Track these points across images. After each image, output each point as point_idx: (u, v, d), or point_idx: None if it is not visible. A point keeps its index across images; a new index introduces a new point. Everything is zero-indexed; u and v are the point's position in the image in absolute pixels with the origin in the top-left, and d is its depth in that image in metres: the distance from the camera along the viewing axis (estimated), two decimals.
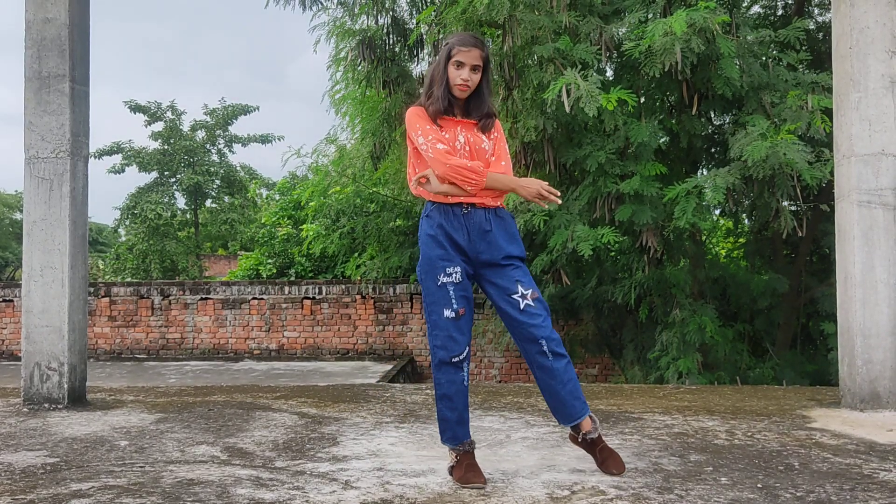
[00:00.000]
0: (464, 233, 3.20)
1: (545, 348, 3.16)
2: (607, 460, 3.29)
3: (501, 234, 3.23)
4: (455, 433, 3.24)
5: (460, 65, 3.21)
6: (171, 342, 15.13)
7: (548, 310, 3.24)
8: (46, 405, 5.11)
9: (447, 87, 3.24)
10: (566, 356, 3.19)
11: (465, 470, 3.21)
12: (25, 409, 5.07)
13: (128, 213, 23.29)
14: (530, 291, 3.19)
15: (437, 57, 3.33)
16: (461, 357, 3.19)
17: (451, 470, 3.25)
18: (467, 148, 3.23)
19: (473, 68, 3.22)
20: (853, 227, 4.77)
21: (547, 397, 3.27)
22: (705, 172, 9.80)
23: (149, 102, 23.54)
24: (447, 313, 3.18)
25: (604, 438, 3.38)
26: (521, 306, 3.17)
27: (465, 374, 3.22)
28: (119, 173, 23.54)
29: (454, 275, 3.18)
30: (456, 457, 3.25)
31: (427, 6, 10.18)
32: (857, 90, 4.77)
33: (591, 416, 3.28)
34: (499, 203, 3.27)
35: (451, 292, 3.18)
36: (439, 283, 3.19)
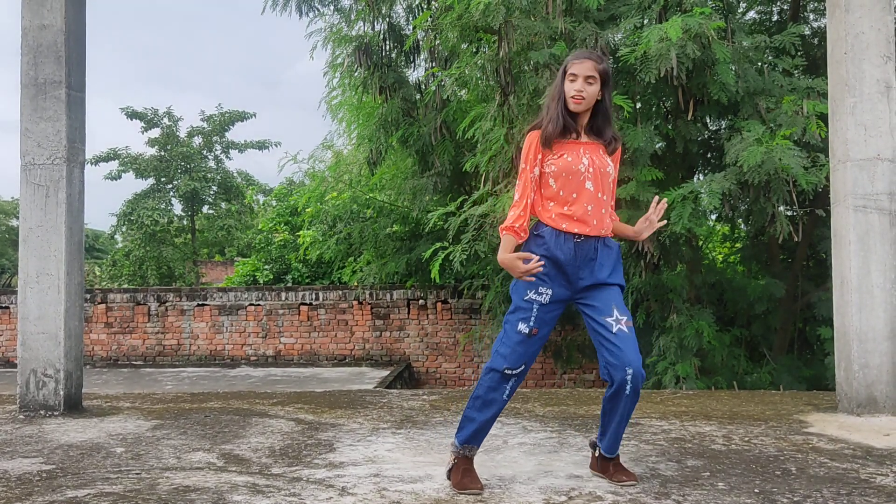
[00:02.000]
0: (571, 256, 3.17)
1: (629, 377, 3.09)
2: (618, 474, 3.31)
3: (606, 262, 3.21)
4: (468, 435, 3.24)
5: (574, 77, 3.20)
6: (168, 348, 15.10)
7: (636, 341, 3.19)
8: (42, 412, 5.09)
9: (563, 103, 3.22)
10: (638, 395, 3.14)
11: (462, 475, 3.21)
12: (21, 416, 5.06)
13: (124, 219, 23.26)
14: (625, 318, 3.15)
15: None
16: (514, 372, 3.17)
17: (449, 473, 3.26)
18: (591, 170, 3.21)
19: (587, 79, 3.18)
20: (849, 231, 4.78)
21: (603, 421, 3.27)
22: (701, 178, 9.82)
23: (145, 109, 23.54)
24: (521, 327, 3.16)
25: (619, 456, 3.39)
26: (614, 329, 3.12)
27: (510, 388, 3.20)
28: (115, 180, 23.52)
29: (544, 295, 3.17)
30: (454, 459, 3.26)
31: (423, 12, 10.21)
32: (852, 95, 4.79)
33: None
34: (607, 233, 3.26)
35: (534, 310, 3.16)
36: (526, 297, 3.17)
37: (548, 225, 3.22)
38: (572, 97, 3.20)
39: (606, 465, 3.33)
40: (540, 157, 3.24)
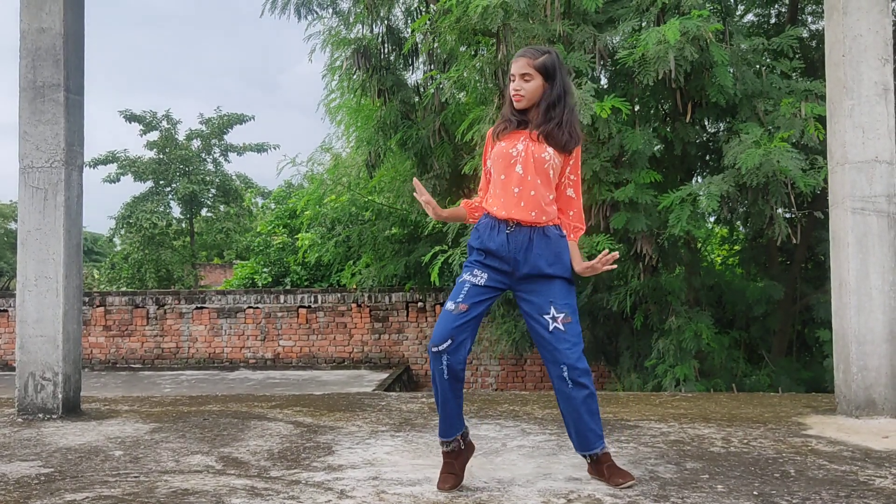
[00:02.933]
0: (504, 245, 3.20)
1: (565, 374, 3.13)
2: (615, 475, 3.27)
3: (544, 252, 3.20)
4: (440, 425, 3.28)
5: (512, 77, 3.27)
6: (167, 351, 15.10)
7: (579, 337, 3.18)
8: (41, 415, 5.09)
9: (510, 103, 3.30)
10: (587, 388, 3.15)
11: (441, 472, 3.30)
12: (20, 420, 5.05)
13: (123, 222, 23.28)
14: (563, 315, 3.15)
15: None
16: (439, 348, 3.15)
17: None
18: (523, 154, 3.22)
19: (523, 77, 3.24)
20: (847, 234, 4.78)
21: (564, 421, 3.29)
22: (700, 180, 9.83)
23: (144, 112, 23.56)
24: (449, 305, 3.21)
25: (611, 457, 3.34)
26: (550, 328, 3.14)
27: (446, 368, 3.16)
28: (114, 182, 23.55)
29: (478, 277, 3.22)
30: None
31: (421, 15, 10.22)
32: (850, 97, 4.79)
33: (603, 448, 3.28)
34: (548, 221, 3.23)
35: (465, 289, 3.21)
36: (461, 279, 3.25)
37: (486, 213, 3.29)
38: (512, 96, 3.28)
39: (600, 467, 3.31)
40: (491, 149, 3.36)
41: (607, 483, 3.28)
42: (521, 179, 3.21)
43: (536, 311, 3.18)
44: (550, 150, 3.24)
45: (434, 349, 3.17)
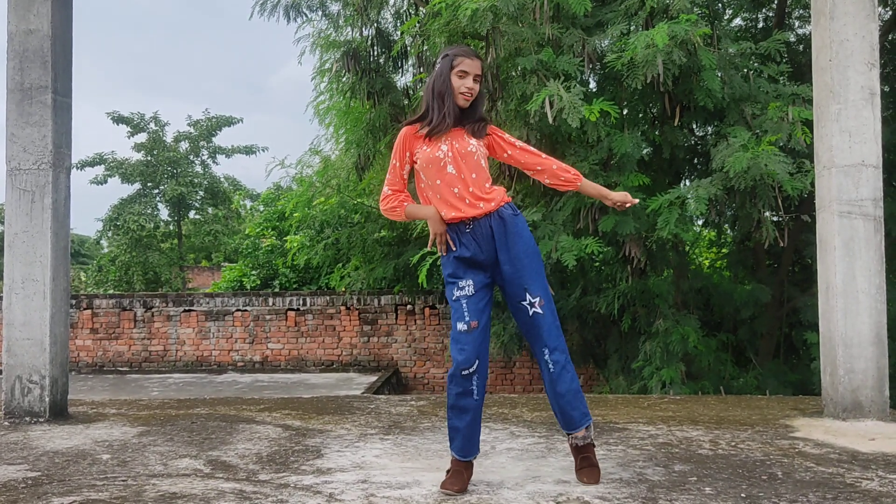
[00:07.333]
0: (472, 246, 3.25)
1: (547, 356, 3.25)
2: (583, 469, 3.36)
3: (503, 235, 3.26)
4: (459, 445, 3.30)
5: (464, 74, 3.29)
6: (154, 355, 15.03)
7: (555, 314, 3.29)
8: (28, 419, 5.06)
9: (453, 101, 3.31)
10: (567, 367, 3.27)
11: (449, 475, 3.30)
12: (6, 423, 5.02)
13: (110, 224, 23.15)
14: (538, 299, 3.24)
15: (434, 73, 3.38)
16: (470, 370, 3.22)
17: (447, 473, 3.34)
18: (450, 154, 3.29)
19: (475, 78, 3.31)
20: (834, 237, 4.81)
21: (552, 406, 3.37)
22: (688, 183, 9.86)
23: (132, 114, 23.45)
24: (460, 326, 3.24)
25: (594, 448, 3.43)
26: (530, 313, 3.24)
27: (475, 387, 3.25)
28: (101, 184, 23.41)
29: (466, 288, 3.25)
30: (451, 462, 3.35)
31: (411, 17, 10.22)
32: (837, 102, 4.82)
33: (587, 427, 3.36)
34: (497, 205, 3.28)
35: (464, 305, 3.25)
36: (454, 297, 3.27)
37: (447, 222, 3.33)
38: (462, 94, 3.31)
39: (577, 455, 3.40)
40: (409, 154, 3.38)
41: (576, 474, 3.39)
42: (455, 179, 3.28)
43: (514, 299, 3.27)
44: (472, 141, 3.32)
45: (465, 372, 3.22)
